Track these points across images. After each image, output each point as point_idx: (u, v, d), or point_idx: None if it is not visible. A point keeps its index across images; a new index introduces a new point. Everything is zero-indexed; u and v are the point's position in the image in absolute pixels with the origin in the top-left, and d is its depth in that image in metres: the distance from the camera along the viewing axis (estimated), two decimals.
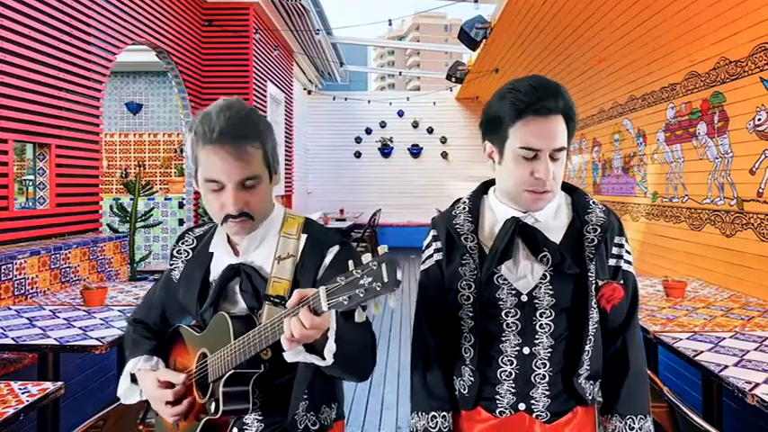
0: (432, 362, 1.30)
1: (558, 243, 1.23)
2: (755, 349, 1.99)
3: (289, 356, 1.07)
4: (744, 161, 3.40)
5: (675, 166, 4.36)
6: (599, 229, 1.23)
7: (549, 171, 1.17)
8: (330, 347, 1.04)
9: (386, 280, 0.88)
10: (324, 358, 1.04)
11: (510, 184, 1.23)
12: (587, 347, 1.22)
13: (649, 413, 1.25)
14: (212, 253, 1.31)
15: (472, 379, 1.26)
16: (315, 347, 1.07)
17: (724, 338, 2.12)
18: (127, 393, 1.33)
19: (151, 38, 5.54)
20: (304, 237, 1.26)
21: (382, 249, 0.92)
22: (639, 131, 5.08)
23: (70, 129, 4.14)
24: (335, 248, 1.25)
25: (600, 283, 1.22)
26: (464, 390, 1.28)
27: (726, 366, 1.81)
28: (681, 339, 2.11)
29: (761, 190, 3.22)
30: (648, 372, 2.01)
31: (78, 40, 4.23)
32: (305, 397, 1.22)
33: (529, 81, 1.19)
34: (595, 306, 1.23)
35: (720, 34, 3.61)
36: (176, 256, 1.37)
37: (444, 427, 1.27)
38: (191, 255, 1.35)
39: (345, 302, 0.91)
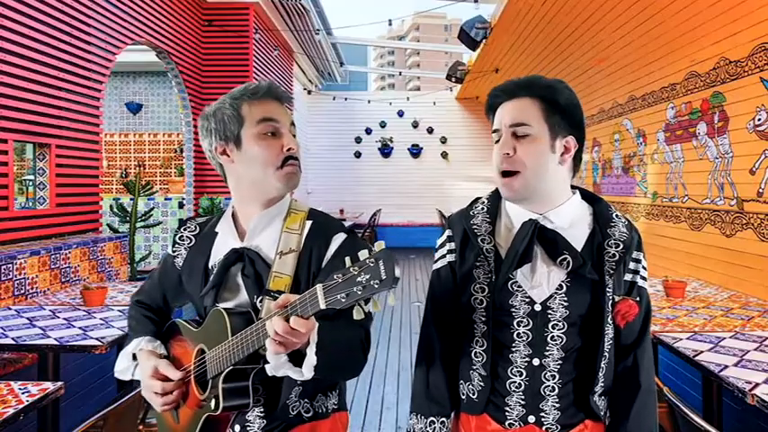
0: (436, 364, 1.28)
1: (581, 250, 1.20)
2: (755, 349, 1.99)
3: (270, 369, 1.07)
4: (744, 161, 3.40)
5: (675, 166, 4.36)
6: (621, 245, 1.20)
7: (504, 146, 1.19)
8: (310, 361, 1.04)
9: (384, 277, 0.87)
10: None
11: (495, 176, 1.26)
12: (602, 364, 1.19)
13: (657, 430, 1.23)
14: (216, 234, 1.31)
15: (482, 384, 1.23)
16: (301, 354, 1.07)
17: (724, 338, 2.12)
18: (124, 371, 1.34)
19: (151, 38, 5.54)
20: (308, 224, 1.26)
21: (379, 245, 0.90)
22: (639, 131, 5.09)
23: (70, 129, 4.14)
24: (341, 236, 1.24)
25: (616, 299, 1.19)
26: (473, 394, 1.25)
27: (726, 366, 1.81)
28: (681, 339, 2.11)
29: (761, 190, 3.22)
30: None
31: (78, 40, 4.23)
32: (298, 383, 1.21)
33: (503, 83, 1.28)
34: (611, 322, 1.20)
35: (720, 34, 3.61)
36: (179, 243, 1.36)
37: None
38: (193, 241, 1.35)
39: (343, 300, 0.90)
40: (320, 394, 1.26)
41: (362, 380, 4.01)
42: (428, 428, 1.25)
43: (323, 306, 0.92)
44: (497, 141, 1.23)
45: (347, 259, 0.92)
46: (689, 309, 2.63)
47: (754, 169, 3.29)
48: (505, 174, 1.20)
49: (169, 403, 1.24)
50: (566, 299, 1.18)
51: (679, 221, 4.28)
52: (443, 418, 1.26)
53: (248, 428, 1.22)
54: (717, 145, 3.72)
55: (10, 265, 3.11)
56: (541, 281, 1.20)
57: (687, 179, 4.17)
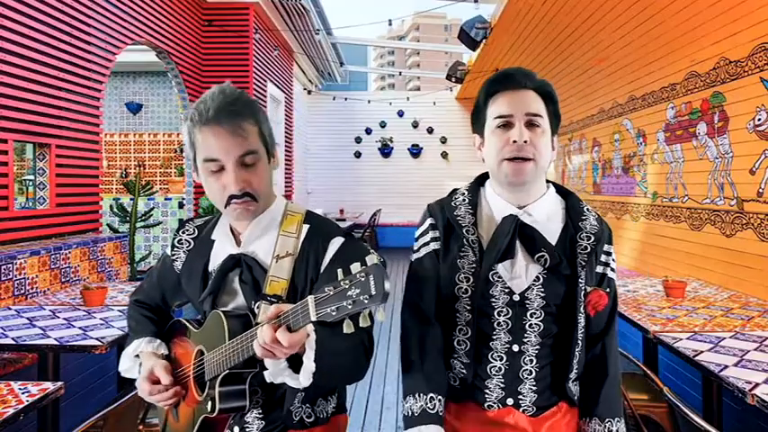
0: (431, 346, 1.27)
1: (555, 243, 1.26)
2: (755, 349, 1.99)
3: (268, 376, 1.08)
4: (744, 161, 3.40)
5: (675, 166, 4.36)
6: (592, 238, 1.25)
7: (523, 134, 1.20)
8: (308, 368, 1.04)
9: (373, 292, 0.87)
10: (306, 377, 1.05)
11: (491, 160, 1.26)
12: (576, 351, 1.26)
13: (622, 416, 1.29)
14: (213, 241, 1.30)
15: (464, 372, 1.27)
16: (301, 360, 1.07)
17: (724, 338, 2.12)
18: (130, 369, 1.36)
19: (151, 38, 5.54)
20: (305, 228, 1.25)
21: (371, 259, 0.90)
22: (639, 131, 5.08)
23: (70, 129, 4.14)
24: (339, 240, 1.23)
25: (588, 289, 1.25)
26: (454, 382, 1.29)
27: (726, 366, 1.81)
28: (681, 339, 2.11)
29: (761, 190, 3.22)
30: (648, 371, 2.02)
31: (78, 40, 4.23)
32: (300, 389, 1.20)
33: (502, 69, 1.29)
34: (583, 311, 1.25)
35: (720, 34, 3.61)
36: (178, 246, 1.36)
37: (441, 412, 1.24)
38: (192, 245, 1.35)
39: (333, 314, 0.90)
40: (321, 399, 1.26)
41: (362, 380, 4.00)
42: (429, 404, 1.23)
43: (313, 318, 0.93)
44: (501, 126, 1.23)
45: (339, 271, 0.92)
46: (689, 309, 2.63)
47: (754, 169, 3.29)
48: (515, 159, 1.21)
49: (161, 401, 1.26)
50: (542, 290, 1.24)
51: (679, 221, 4.28)
52: (440, 396, 1.25)
53: (247, 430, 1.22)
54: (717, 145, 3.72)
55: (10, 265, 3.11)
56: (521, 273, 1.24)
57: (687, 179, 4.17)
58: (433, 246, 1.31)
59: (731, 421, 2.77)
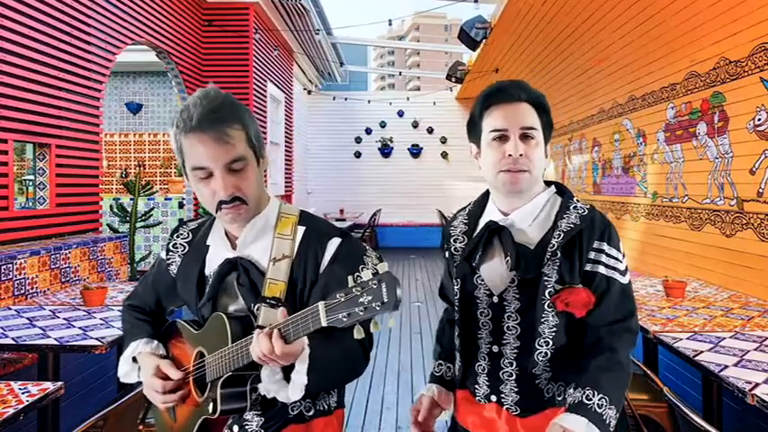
0: (446, 325, 1.49)
1: (535, 245, 1.26)
2: (755, 349, 1.99)
3: (262, 389, 1.12)
4: (744, 161, 3.40)
5: (675, 166, 4.36)
6: (562, 235, 1.22)
7: (518, 148, 1.24)
8: (298, 382, 1.06)
9: (385, 300, 0.88)
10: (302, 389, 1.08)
11: (488, 171, 1.30)
12: (543, 349, 1.23)
13: (617, 405, 1.14)
14: (208, 246, 1.30)
15: (459, 363, 1.38)
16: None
17: (724, 338, 2.12)
18: (128, 374, 1.35)
19: (151, 38, 5.54)
20: (301, 230, 1.25)
21: (382, 267, 0.92)
22: (639, 131, 5.08)
23: (70, 129, 4.14)
24: (336, 241, 1.23)
25: (557, 287, 1.21)
26: (457, 371, 1.40)
27: (726, 366, 1.81)
28: (681, 339, 2.11)
29: (761, 190, 3.22)
30: (648, 372, 2.02)
31: (78, 40, 4.23)
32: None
33: (496, 82, 1.33)
34: (550, 309, 1.22)
35: (720, 34, 3.61)
36: (172, 251, 1.36)
37: (447, 376, 1.41)
38: (187, 249, 1.34)
39: (345, 320, 0.91)
40: (322, 392, 1.26)
41: (362, 380, 4.00)
42: (435, 369, 1.44)
43: (324, 323, 0.94)
44: (497, 139, 1.27)
45: (350, 278, 0.93)
46: (689, 309, 2.63)
47: (754, 169, 3.29)
48: (511, 171, 1.26)
49: (169, 401, 1.25)
50: (517, 292, 1.27)
51: (679, 221, 4.28)
52: (450, 363, 1.44)
53: (246, 427, 1.22)
54: (717, 145, 3.72)
55: (10, 265, 3.11)
56: (498, 275, 1.29)
57: (687, 179, 4.17)
58: (446, 254, 1.44)
59: (731, 421, 2.77)
